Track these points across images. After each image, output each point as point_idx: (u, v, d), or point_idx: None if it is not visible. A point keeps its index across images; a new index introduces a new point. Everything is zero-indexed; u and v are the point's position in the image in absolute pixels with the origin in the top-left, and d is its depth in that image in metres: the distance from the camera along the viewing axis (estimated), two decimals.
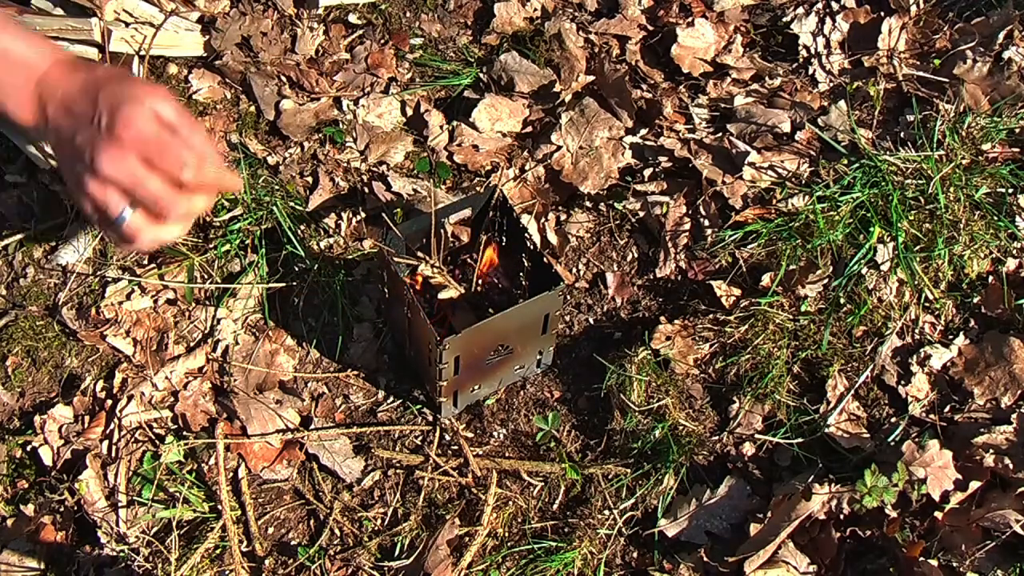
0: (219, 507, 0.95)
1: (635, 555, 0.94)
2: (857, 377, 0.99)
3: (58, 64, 0.83)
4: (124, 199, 0.79)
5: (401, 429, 1.00)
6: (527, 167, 1.16)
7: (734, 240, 1.06)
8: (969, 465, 0.91)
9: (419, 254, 0.89)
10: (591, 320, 1.07)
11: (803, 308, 1.02)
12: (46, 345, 1.06)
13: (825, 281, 1.03)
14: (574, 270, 1.10)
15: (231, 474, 0.97)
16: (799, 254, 1.04)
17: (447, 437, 1.00)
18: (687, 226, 1.09)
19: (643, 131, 1.18)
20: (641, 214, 1.11)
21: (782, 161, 1.12)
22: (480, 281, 0.95)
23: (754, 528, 0.90)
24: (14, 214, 1.15)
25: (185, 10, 1.24)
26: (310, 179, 1.16)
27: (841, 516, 0.90)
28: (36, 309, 1.08)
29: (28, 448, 0.99)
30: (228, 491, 0.95)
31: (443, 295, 0.91)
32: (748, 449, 0.97)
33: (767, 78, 1.21)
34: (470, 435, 1.00)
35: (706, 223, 1.08)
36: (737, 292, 1.04)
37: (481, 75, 1.23)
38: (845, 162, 1.10)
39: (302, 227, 1.11)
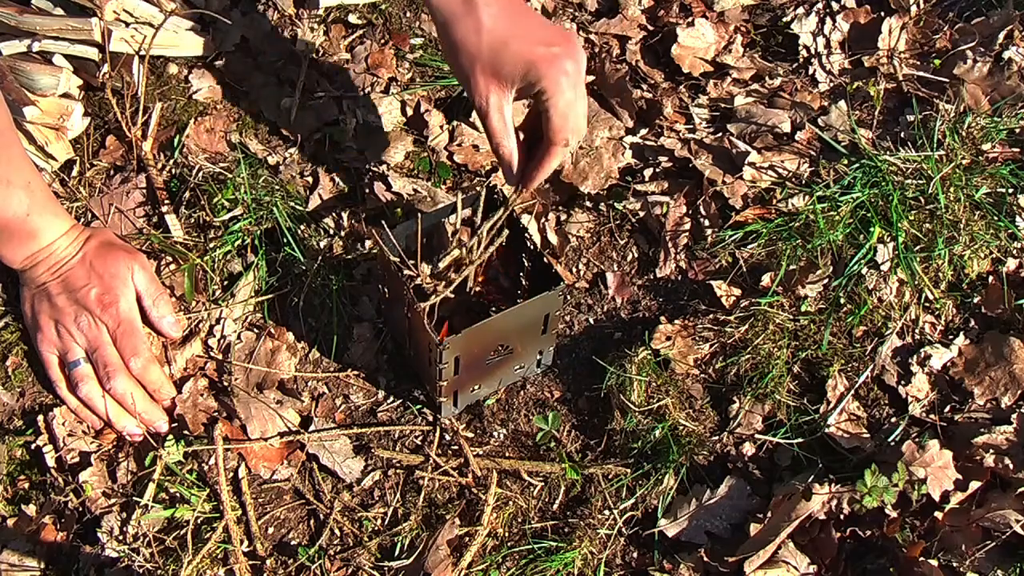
0: (220, 507, 0.95)
1: (635, 555, 0.94)
2: (857, 377, 0.99)
3: (62, 236, 1.01)
4: (82, 350, 1.00)
5: (401, 429, 1.00)
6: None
7: (734, 240, 1.06)
8: (969, 465, 0.91)
9: (410, 263, 0.89)
10: (591, 320, 1.07)
11: (803, 308, 1.02)
12: None
13: (825, 281, 1.03)
14: (574, 270, 1.11)
15: (231, 474, 0.97)
16: (799, 254, 1.04)
17: (447, 437, 1.00)
18: (687, 226, 1.09)
19: (643, 131, 1.18)
20: (641, 214, 1.11)
21: (782, 161, 1.12)
22: (477, 286, 0.95)
23: (754, 528, 0.90)
24: None
25: (185, 10, 1.24)
26: (310, 179, 1.16)
27: (841, 516, 0.90)
28: None
29: (31, 448, 0.99)
30: (229, 491, 0.95)
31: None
32: (748, 449, 0.98)
33: (767, 78, 1.21)
34: (470, 435, 1.01)
35: (706, 223, 1.08)
36: (737, 292, 1.05)
37: None
38: (845, 162, 1.10)
39: (302, 227, 1.11)
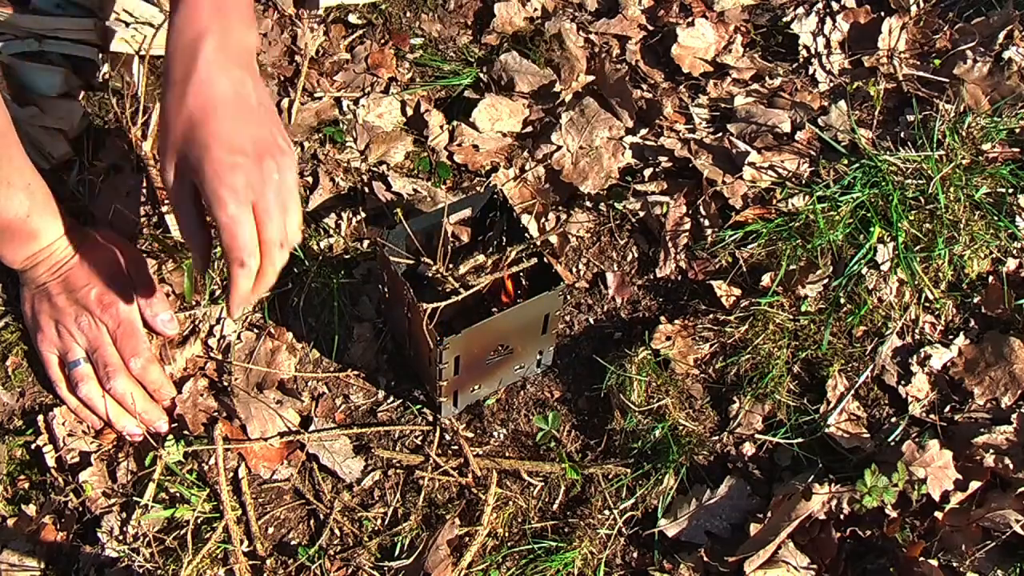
0: (220, 507, 0.95)
1: (635, 555, 0.94)
2: (857, 377, 0.99)
3: (62, 237, 1.01)
4: (82, 350, 1.00)
5: (401, 429, 1.00)
6: (527, 167, 1.16)
7: (734, 240, 1.06)
8: (969, 465, 0.91)
9: (424, 259, 0.89)
10: (591, 320, 1.07)
11: (803, 308, 1.02)
12: None
13: (825, 281, 1.03)
14: (574, 270, 1.11)
15: (231, 474, 0.97)
16: (799, 254, 1.04)
17: (447, 437, 1.00)
18: (687, 226, 1.09)
19: (643, 131, 1.18)
20: (641, 214, 1.11)
21: (782, 161, 1.12)
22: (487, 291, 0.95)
23: (754, 528, 0.90)
24: None
25: None
26: (310, 179, 1.16)
27: (841, 516, 0.90)
28: None
29: (31, 448, 1.00)
30: (229, 491, 0.95)
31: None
32: (748, 449, 0.98)
33: (767, 78, 1.21)
34: (470, 435, 1.01)
35: (706, 223, 1.08)
36: (737, 292, 1.05)
37: (481, 75, 1.23)
38: (845, 162, 1.10)
39: (302, 227, 1.11)
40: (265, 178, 0.77)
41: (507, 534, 0.95)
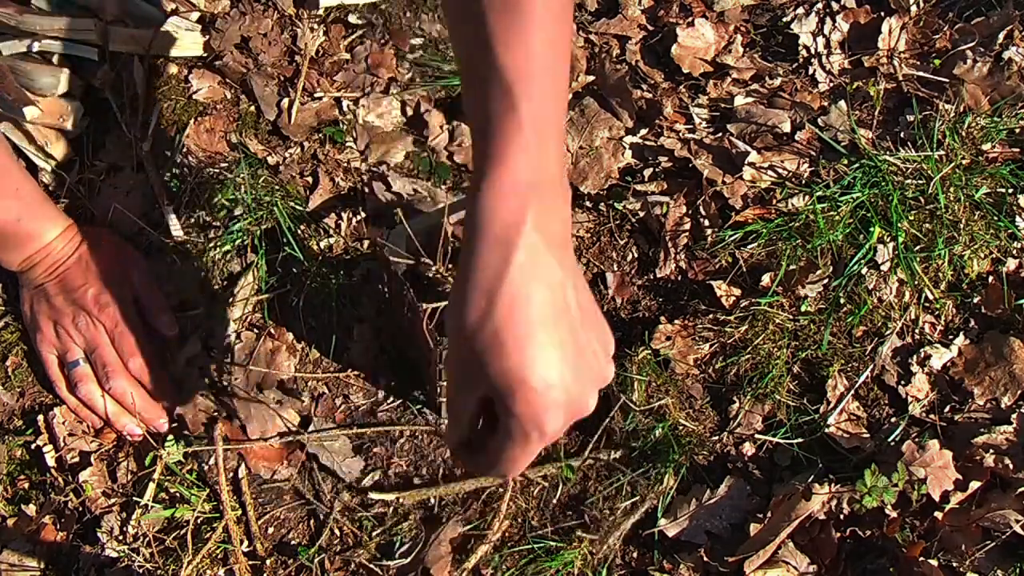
0: (220, 507, 0.95)
1: (635, 555, 0.94)
2: (857, 377, 0.99)
3: (58, 238, 1.01)
4: (81, 350, 1.00)
5: (401, 429, 1.00)
6: None
7: (734, 240, 1.06)
8: (969, 465, 0.91)
9: (424, 260, 0.89)
10: None
11: (803, 308, 1.02)
12: None
13: (825, 281, 1.03)
14: None
15: (231, 474, 0.97)
16: (799, 254, 1.04)
17: None
18: (687, 226, 1.09)
19: (643, 131, 1.18)
20: (641, 214, 1.11)
21: (782, 161, 1.12)
22: None
23: (754, 528, 0.90)
24: None
25: (185, 10, 1.24)
26: (310, 179, 1.16)
27: (841, 516, 0.90)
28: None
29: (31, 448, 1.00)
30: (229, 491, 0.95)
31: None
32: (748, 449, 0.98)
33: (767, 78, 1.21)
34: None
35: (706, 223, 1.08)
36: (737, 292, 1.05)
37: None
38: (845, 162, 1.10)
39: (302, 227, 1.11)
40: (576, 414, 0.62)
41: (507, 534, 0.95)
